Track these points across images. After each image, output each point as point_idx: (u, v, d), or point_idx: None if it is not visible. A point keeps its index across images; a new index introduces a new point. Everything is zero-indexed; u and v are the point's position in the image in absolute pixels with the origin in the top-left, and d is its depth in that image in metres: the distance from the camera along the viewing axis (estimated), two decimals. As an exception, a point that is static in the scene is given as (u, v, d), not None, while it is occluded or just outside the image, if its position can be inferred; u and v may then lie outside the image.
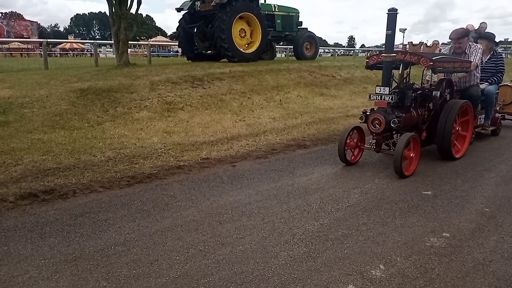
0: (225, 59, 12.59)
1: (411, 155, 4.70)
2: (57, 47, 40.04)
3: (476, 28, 11.99)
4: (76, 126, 6.41)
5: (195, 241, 3.08)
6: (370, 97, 4.93)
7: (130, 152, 5.36)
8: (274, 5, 14.24)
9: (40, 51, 18.43)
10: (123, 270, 2.67)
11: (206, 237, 3.14)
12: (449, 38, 6.19)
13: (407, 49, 5.10)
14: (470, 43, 6.12)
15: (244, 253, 2.91)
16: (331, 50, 31.87)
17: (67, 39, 55.59)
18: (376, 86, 4.84)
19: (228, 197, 4.00)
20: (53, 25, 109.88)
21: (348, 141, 5.04)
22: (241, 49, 12.23)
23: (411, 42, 6.05)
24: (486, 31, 12.02)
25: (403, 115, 4.89)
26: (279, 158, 5.49)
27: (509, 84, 7.77)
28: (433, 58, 4.66)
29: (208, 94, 8.71)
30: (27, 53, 33.34)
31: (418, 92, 5.29)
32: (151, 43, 27.92)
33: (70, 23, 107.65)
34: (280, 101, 9.39)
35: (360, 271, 2.69)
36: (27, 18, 61.21)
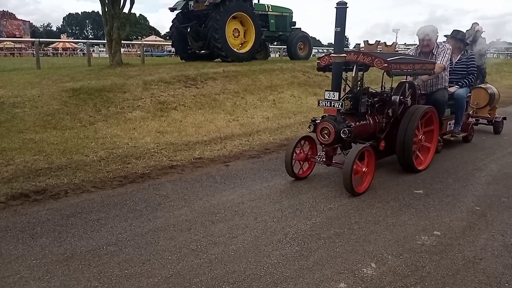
0: (219, 59, 12.57)
1: (364, 169, 4.10)
2: (49, 46, 39.75)
3: (468, 29, 11.97)
4: (68, 126, 6.38)
5: (188, 241, 3.08)
6: (318, 103, 4.33)
7: (123, 152, 5.34)
8: (267, 5, 14.24)
9: (33, 50, 18.29)
10: (115, 270, 2.66)
11: (198, 237, 3.14)
12: (416, 35, 5.67)
13: (363, 48, 4.54)
14: (439, 42, 5.68)
15: (237, 252, 2.91)
16: (324, 50, 31.95)
17: (60, 38, 55.23)
18: (325, 90, 4.25)
19: (221, 197, 4.00)
20: (45, 24, 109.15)
21: (297, 152, 4.53)
22: (235, 49, 12.22)
23: (367, 40, 5.40)
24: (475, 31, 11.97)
25: (356, 123, 4.39)
26: (272, 157, 5.50)
27: (482, 87, 7.40)
28: (388, 59, 4.10)
29: (202, 94, 8.70)
30: (19, 53, 33.09)
31: (376, 97, 4.79)
32: (144, 42, 27.81)
33: (63, 22, 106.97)
34: (274, 101, 9.40)
35: (352, 269, 2.70)
36: (19, 17, 60.69)
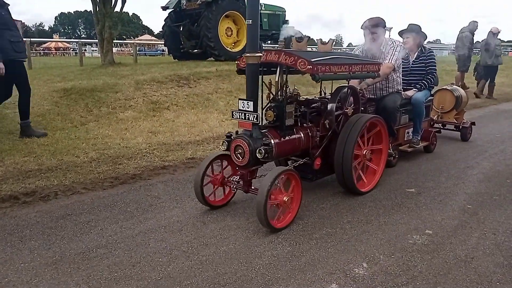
0: (212, 58, 12.53)
1: (284, 198, 3.23)
2: (41, 46, 39.45)
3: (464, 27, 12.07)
4: (59, 126, 6.32)
5: (179, 242, 3.05)
6: (232, 115, 3.51)
7: (114, 152, 5.29)
8: (260, 3, 14.22)
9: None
10: (104, 273, 2.63)
11: (190, 238, 3.12)
12: (361, 28, 4.82)
13: (290, 46, 3.77)
14: (388, 38, 4.87)
15: (228, 253, 2.89)
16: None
17: (52, 38, 54.80)
18: (239, 99, 3.44)
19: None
20: (38, 24, 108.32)
21: (213, 173, 3.70)
22: (228, 48, 12.19)
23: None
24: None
25: (281, 139, 3.55)
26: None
27: (448, 88, 6.63)
28: (314, 60, 3.29)
29: (194, 93, 8.66)
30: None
31: (310, 105, 4.00)
32: (137, 42, 27.68)
33: (55, 21, 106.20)
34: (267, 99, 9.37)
35: (344, 269, 2.69)
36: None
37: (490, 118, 9.04)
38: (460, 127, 6.58)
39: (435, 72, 5.51)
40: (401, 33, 5.55)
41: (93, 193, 4.07)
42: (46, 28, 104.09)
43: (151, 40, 45.75)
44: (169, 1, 12.93)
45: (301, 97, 4.00)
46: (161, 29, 12.53)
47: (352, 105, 4.14)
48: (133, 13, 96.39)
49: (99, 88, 7.90)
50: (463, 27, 12.02)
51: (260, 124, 3.46)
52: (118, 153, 5.28)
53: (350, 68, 3.74)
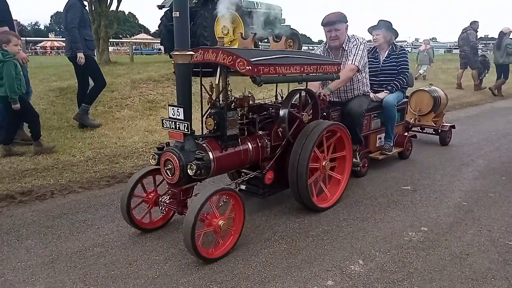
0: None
1: (220, 223, 2.72)
2: (38, 45, 39.24)
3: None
4: (55, 125, 6.30)
5: (175, 240, 3.05)
6: (162, 123, 3.00)
7: (111, 151, 5.29)
8: (256, 2, 14.21)
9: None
10: (101, 272, 2.63)
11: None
12: (321, 25, 4.38)
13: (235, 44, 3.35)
14: (350, 35, 4.33)
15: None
16: (314, 47, 32.04)
17: (48, 37, 54.53)
18: (169, 105, 2.94)
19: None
20: (33, 23, 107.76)
21: (145, 192, 3.20)
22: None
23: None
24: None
25: (223, 151, 3.07)
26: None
27: (425, 89, 6.18)
28: (252, 60, 2.73)
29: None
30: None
31: (261, 112, 3.56)
32: (133, 40, 27.61)
33: (51, 20, 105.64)
34: (263, 98, 9.38)
35: (340, 266, 2.71)
36: (5, 16, 59.75)
37: (486, 116, 9.09)
38: (439, 130, 6.14)
39: (408, 72, 5.05)
40: (370, 30, 5.15)
41: (90, 192, 4.07)
42: (42, 27, 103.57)
43: (147, 39, 45.63)
44: (165, 0, 12.91)
45: (255, 102, 3.58)
46: (157, 28, 12.50)
47: (310, 110, 3.68)
48: (129, 12, 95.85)
49: (95, 87, 7.87)
50: (466, 27, 12.63)
51: (202, 133, 3.17)
52: (115, 152, 5.28)
53: (302, 69, 3.19)
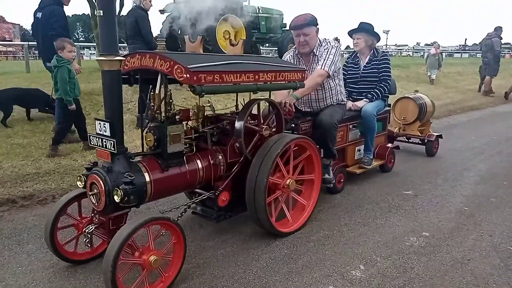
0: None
1: (151, 259, 2.32)
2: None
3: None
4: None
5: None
6: (89, 140, 2.65)
7: (112, 155, 5.29)
8: (258, 7, 14.26)
9: (23, 54, 18.19)
10: (102, 276, 2.62)
11: (187, 241, 3.11)
12: (289, 29, 4.20)
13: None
14: (322, 39, 3.97)
15: (226, 256, 2.90)
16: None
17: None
18: (95, 119, 2.60)
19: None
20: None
21: (79, 217, 2.81)
22: (225, 51, 12.21)
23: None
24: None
25: (162, 172, 2.67)
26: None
27: (410, 97, 5.78)
28: (191, 67, 2.35)
29: (192, 97, 8.66)
30: (14, 56, 33.05)
31: (214, 124, 3.18)
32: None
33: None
34: (265, 103, 9.39)
35: (341, 272, 2.70)
36: (9, 21, 60.17)
37: (487, 120, 9.08)
38: (425, 140, 5.72)
39: (390, 79, 4.63)
40: (350, 33, 4.75)
41: (91, 197, 4.07)
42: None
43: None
44: (167, 5, 12.96)
45: (214, 113, 3.27)
46: (159, 32, 12.54)
47: (273, 123, 3.34)
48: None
49: (97, 92, 7.89)
50: (490, 32, 12.62)
51: (142, 150, 2.84)
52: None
53: (257, 76, 2.77)
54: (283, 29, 15.08)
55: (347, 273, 2.69)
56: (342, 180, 4.24)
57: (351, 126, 4.37)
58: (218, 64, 2.61)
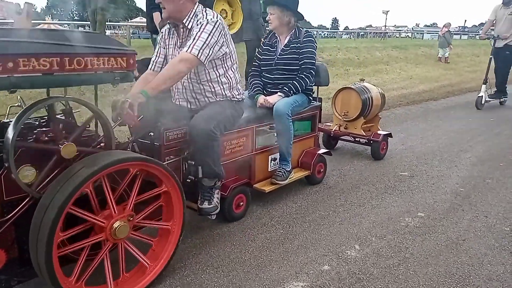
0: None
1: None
2: (34, 28, 38.91)
3: None
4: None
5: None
6: None
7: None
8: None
9: (15, 32, 17.89)
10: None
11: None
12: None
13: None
14: (199, 9, 2.75)
15: (222, 236, 2.90)
16: (314, 32, 31.77)
17: (45, 20, 53.91)
18: None
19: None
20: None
21: None
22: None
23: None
24: None
25: None
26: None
27: (352, 87, 4.63)
28: None
29: (189, 77, 8.58)
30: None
31: None
32: (131, 24, 27.33)
33: (47, 3, 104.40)
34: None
35: (336, 251, 2.71)
36: (1, -2, 58.92)
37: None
38: (371, 141, 4.62)
39: (314, 67, 3.51)
40: (266, 7, 3.84)
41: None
42: (38, 10, 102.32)
43: (145, 22, 45.12)
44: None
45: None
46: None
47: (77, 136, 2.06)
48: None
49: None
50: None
51: None
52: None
53: (13, 65, 1.62)
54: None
55: (342, 252, 2.70)
56: (242, 203, 3.13)
57: (261, 129, 3.38)
58: None
